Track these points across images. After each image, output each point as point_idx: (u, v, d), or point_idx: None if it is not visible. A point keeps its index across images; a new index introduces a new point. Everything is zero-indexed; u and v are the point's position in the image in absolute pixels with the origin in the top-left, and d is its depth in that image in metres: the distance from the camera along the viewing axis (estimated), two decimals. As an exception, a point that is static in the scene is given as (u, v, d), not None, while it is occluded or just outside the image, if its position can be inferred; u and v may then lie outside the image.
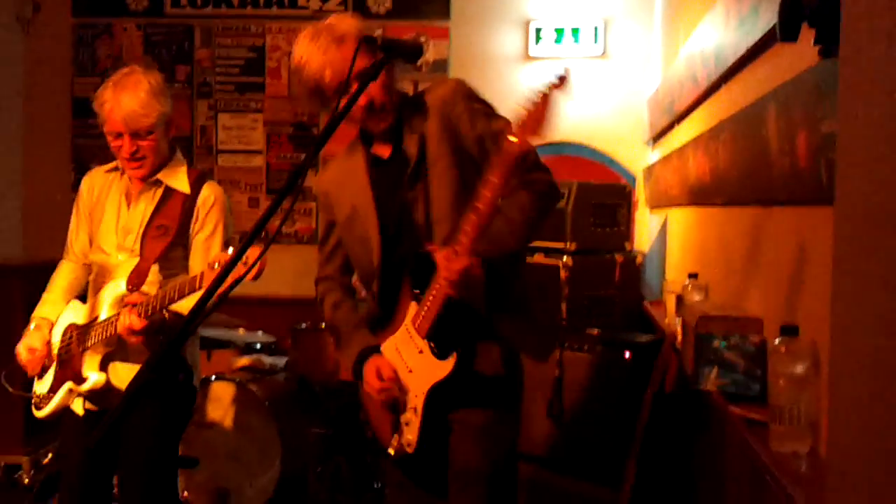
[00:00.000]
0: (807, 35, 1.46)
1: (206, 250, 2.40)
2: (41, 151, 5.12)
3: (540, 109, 1.77)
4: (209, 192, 2.46)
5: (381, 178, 2.09)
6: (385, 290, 2.10)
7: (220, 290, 1.90)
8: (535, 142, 1.81)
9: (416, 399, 1.99)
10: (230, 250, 2.09)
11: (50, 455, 3.61)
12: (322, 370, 3.94)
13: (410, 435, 2.00)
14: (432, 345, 1.97)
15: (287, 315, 4.19)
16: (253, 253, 1.86)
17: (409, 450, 2.00)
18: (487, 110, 2.04)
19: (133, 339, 2.27)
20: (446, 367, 1.95)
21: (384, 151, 2.10)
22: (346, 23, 2.02)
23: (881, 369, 0.82)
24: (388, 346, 2.07)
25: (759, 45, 2.09)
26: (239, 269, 1.99)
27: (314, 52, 1.98)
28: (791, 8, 1.48)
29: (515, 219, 1.98)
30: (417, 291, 2.00)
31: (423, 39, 4.96)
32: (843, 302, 0.96)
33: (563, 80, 1.79)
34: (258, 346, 4.32)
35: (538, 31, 4.95)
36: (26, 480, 3.44)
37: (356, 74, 1.86)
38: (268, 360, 4.12)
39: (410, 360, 2.01)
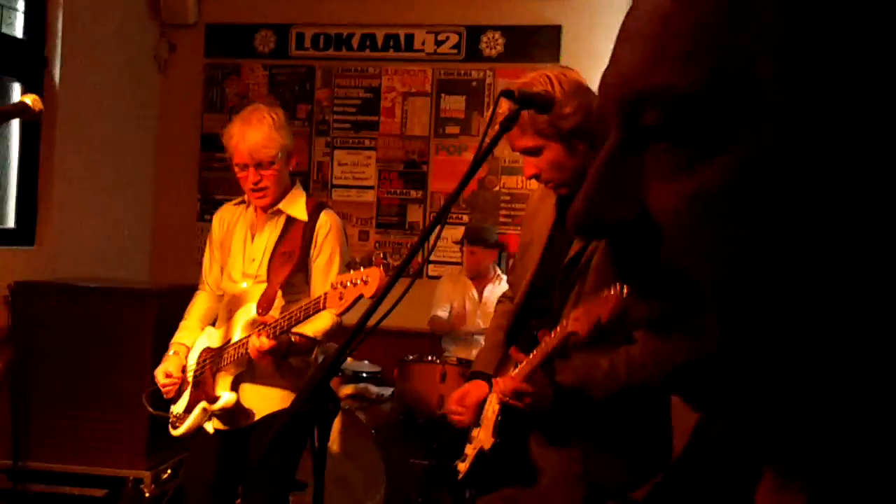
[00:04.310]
0: None
1: (326, 274, 2.54)
2: (170, 182, 5.44)
3: None
4: (325, 220, 2.59)
5: (564, 227, 2.01)
6: (516, 328, 2.11)
7: (342, 309, 2.09)
8: None
9: (477, 441, 2.04)
10: (351, 272, 2.22)
11: (168, 471, 3.80)
12: (427, 402, 4.02)
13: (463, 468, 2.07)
14: (499, 417, 1.99)
15: (392, 346, 4.29)
16: (373, 273, 2.09)
17: (458, 477, 2.07)
18: None
19: (263, 359, 2.41)
20: (489, 442, 1.98)
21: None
22: (562, 81, 1.96)
23: None
24: (497, 383, 2.07)
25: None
26: (360, 289, 2.16)
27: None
28: None
29: (619, 375, 1.77)
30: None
31: (532, 81, 5.04)
32: None
33: None
34: (364, 374, 4.44)
35: (648, 73, 4.96)
36: (147, 494, 3.63)
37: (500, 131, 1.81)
38: (375, 389, 4.24)
39: (489, 410, 2.05)
